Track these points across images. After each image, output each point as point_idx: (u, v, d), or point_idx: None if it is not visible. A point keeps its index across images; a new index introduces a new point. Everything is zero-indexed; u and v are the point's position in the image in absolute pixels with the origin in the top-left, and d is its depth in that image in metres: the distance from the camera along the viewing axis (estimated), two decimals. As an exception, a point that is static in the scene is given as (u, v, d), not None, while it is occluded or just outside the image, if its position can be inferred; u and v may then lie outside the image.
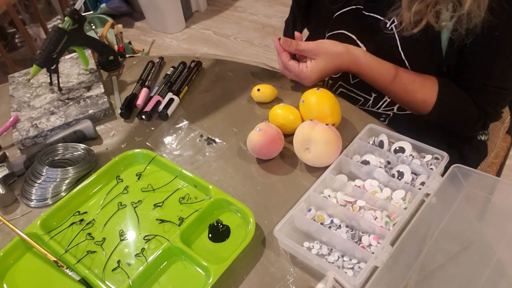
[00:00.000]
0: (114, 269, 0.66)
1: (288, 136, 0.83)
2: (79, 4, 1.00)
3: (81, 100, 0.97)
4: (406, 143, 0.76)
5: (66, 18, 0.94)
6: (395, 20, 0.81)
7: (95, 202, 0.76)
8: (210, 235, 0.69)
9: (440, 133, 0.96)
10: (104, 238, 0.70)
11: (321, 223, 0.68)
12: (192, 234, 0.69)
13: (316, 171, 0.78)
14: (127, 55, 1.17)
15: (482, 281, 0.59)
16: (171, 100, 0.94)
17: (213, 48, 2.83)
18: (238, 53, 2.72)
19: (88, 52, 1.10)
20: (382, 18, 0.84)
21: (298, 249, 0.63)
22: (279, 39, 0.90)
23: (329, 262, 0.63)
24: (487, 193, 0.70)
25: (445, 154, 0.73)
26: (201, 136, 0.89)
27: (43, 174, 0.78)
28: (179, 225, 0.70)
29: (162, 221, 0.72)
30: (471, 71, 0.83)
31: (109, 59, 1.08)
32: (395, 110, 0.95)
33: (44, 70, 0.96)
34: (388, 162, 0.75)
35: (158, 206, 0.74)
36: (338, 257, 0.64)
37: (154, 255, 0.65)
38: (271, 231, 0.68)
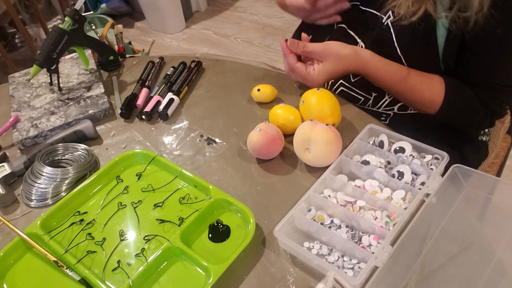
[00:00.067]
0: (114, 269, 0.66)
1: (288, 136, 0.83)
2: (79, 4, 1.00)
3: (81, 100, 0.97)
4: (406, 143, 0.76)
5: (66, 18, 0.94)
6: (391, 15, 0.82)
7: (95, 202, 0.76)
8: (210, 235, 0.69)
9: (440, 133, 0.96)
10: (104, 238, 0.70)
11: (321, 223, 0.68)
12: (192, 234, 0.69)
13: (316, 171, 0.78)
14: (127, 55, 1.17)
15: (482, 281, 0.59)
16: (171, 100, 0.94)
17: (213, 48, 2.83)
18: (238, 53, 2.73)
19: (88, 52, 1.10)
20: (378, 13, 0.84)
21: (298, 249, 0.63)
22: (286, 40, 0.88)
23: (329, 262, 0.63)
24: (487, 193, 0.70)
25: (445, 154, 0.73)
26: (201, 136, 0.89)
27: (43, 174, 0.78)
28: (179, 225, 0.70)
29: (162, 221, 0.72)
30: (474, 69, 0.83)
31: (109, 59, 1.08)
32: (395, 110, 0.95)
33: (44, 70, 0.96)
34: (388, 162, 0.75)
35: (158, 206, 0.74)
36: (338, 257, 0.64)
37: (154, 255, 0.65)
38: (271, 231, 0.68)
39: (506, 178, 1.58)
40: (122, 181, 0.80)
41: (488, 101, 0.85)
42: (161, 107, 0.93)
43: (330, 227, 0.68)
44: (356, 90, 0.96)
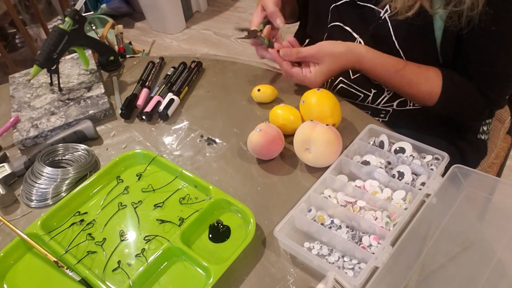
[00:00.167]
0: (114, 270, 0.66)
1: (289, 136, 0.83)
2: (79, 5, 1.00)
3: (81, 101, 0.97)
4: (407, 144, 0.76)
5: (66, 19, 0.94)
6: (389, 9, 0.82)
7: (95, 202, 0.76)
8: (210, 236, 0.69)
9: (440, 130, 0.96)
10: (105, 239, 0.70)
11: (322, 224, 0.68)
12: (193, 234, 0.69)
13: (317, 171, 0.78)
14: (127, 56, 1.17)
15: (482, 281, 0.59)
16: (171, 101, 0.94)
17: (213, 49, 2.83)
18: (238, 53, 2.73)
19: (88, 53, 1.10)
20: (375, 8, 0.84)
21: (299, 249, 0.63)
22: (278, 51, 0.90)
23: (330, 263, 0.63)
24: (488, 193, 0.69)
25: (446, 155, 0.73)
26: (202, 136, 0.89)
27: (44, 174, 0.78)
28: (179, 226, 0.70)
29: (163, 221, 0.72)
30: (472, 60, 0.83)
31: (110, 60, 1.08)
32: (394, 106, 0.95)
33: (45, 70, 0.96)
34: (389, 163, 0.75)
35: (158, 206, 0.74)
36: (339, 258, 0.64)
37: (154, 255, 0.65)
38: (271, 232, 0.68)
39: (506, 178, 1.58)
40: (122, 181, 0.80)
41: (487, 91, 0.85)
42: (162, 107, 0.93)
43: (330, 227, 0.68)
44: (355, 86, 0.96)
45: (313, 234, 0.68)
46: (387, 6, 0.82)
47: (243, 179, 0.79)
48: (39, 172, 0.79)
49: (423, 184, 0.71)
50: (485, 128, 1.04)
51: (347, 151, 0.76)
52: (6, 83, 1.07)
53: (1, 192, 0.77)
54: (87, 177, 0.80)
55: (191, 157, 0.84)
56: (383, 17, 0.83)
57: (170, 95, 0.96)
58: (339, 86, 0.98)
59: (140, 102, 0.97)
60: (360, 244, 0.65)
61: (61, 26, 0.94)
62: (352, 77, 0.95)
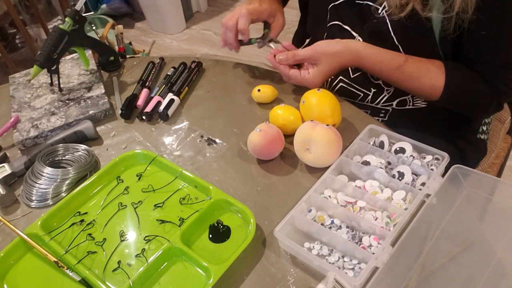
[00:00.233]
0: (114, 270, 0.66)
1: (289, 136, 0.83)
2: (79, 5, 1.00)
3: (81, 101, 0.97)
4: (407, 144, 0.76)
5: (66, 19, 0.94)
6: (386, 6, 0.82)
7: (95, 202, 0.76)
8: (210, 236, 0.69)
9: (440, 130, 0.96)
10: (105, 239, 0.70)
11: (322, 224, 0.68)
12: (193, 234, 0.69)
13: (317, 171, 0.78)
14: (127, 56, 1.17)
15: (482, 281, 0.59)
16: (171, 101, 0.94)
17: (213, 49, 2.83)
18: (238, 53, 2.72)
19: (88, 53, 1.10)
20: (373, 4, 0.84)
21: (299, 249, 0.63)
22: (274, 56, 0.91)
23: (330, 263, 0.63)
24: (488, 193, 0.69)
25: (446, 155, 0.73)
26: (202, 136, 0.89)
27: (44, 174, 0.78)
28: (179, 226, 0.70)
29: (163, 221, 0.72)
30: (475, 51, 0.81)
31: (110, 60, 1.08)
32: (394, 106, 0.95)
33: (45, 70, 0.96)
34: (389, 163, 0.75)
35: (158, 206, 0.74)
36: (339, 258, 0.64)
37: (154, 255, 0.65)
38: (271, 232, 0.68)
39: (506, 178, 1.58)
40: (122, 181, 0.80)
41: (493, 80, 0.83)
42: (162, 107, 0.93)
43: (330, 227, 0.68)
44: (355, 86, 0.96)
45: (313, 234, 0.68)
46: (385, 3, 0.82)
47: (243, 179, 0.79)
48: (39, 172, 0.79)
49: (423, 184, 0.71)
50: (484, 128, 1.04)
51: (347, 151, 0.76)
52: (6, 83, 1.07)
53: (1, 192, 0.77)
54: (87, 177, 0.80)
55: (191, 157, 0.84)
56: (381, 14, 0.83)
57: (170, 95, 0.96)
58: (339, 85, 0.98)
59: (140, 102, 0.97)
60: (360, 244, 0.65)
61: (61, 26, 0.94)
62: (352, 76, 0.95)
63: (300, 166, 0.80)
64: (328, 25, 0.94)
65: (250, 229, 0.67)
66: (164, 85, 1.00)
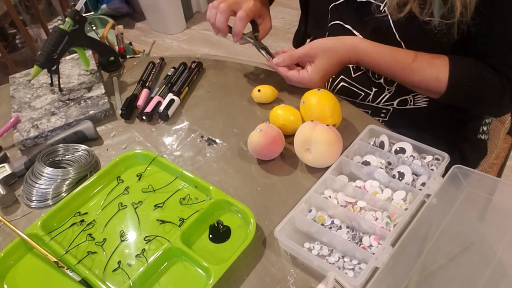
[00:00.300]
0: (114, 270, 0.66)
1: (289, 136, 0.83)
2: (79, 5, 1.00)
3: (81, 101, 0.97)
4: (407, 144, 0.76)
5: (67, 19, 0.94)
6: (388, 2, 0.81)
7: (95, 202, 0.76)
8: (210, 236, 0.69)
9: (440, 130, 0.96)
10: (105, 239, 0.70)
11: (322, 224, 0.68)
12: (193, 235, 0.69)
13: (317, 171, 0.78)
14: (127, 56, 1.18)
15: (482, 281, 0.59)
16: (171, 101, 0.94)
17: (213, 49, 2.83)
18: (238, 53, 2.73)
19: (88, 53, 1.10)
20: (374, 1, 0.83)
21: (299, 250, 0.63)
22: (272, 59, 0.92)
23: (330, 263, 0.63)
24: (488, 193, 0.69)
25: (446, 155, 0.73)
26: (202, 136, 0.89)
27: (44, 174, 0.78)
28: (179, 226, 0.70)
29: (163, 221, 0.72)
30: (480, 40, 0.79)
31: (110, 60, 1.08)
32: (394, 105, 0.95)
33: (45, 71, 0.96)
34: (389, 163, 0.75)
35: (158, 206, 0.74)
36: (339, 258, 0.64)
37: (154, 255, 0.65)
38: (271, 232, 0.68)
39: (506, 178, 1.58)
40: (122, 181, 0.80)
41: (501, 67, 0.79)
42: (162, 107, 0.93)
43: (330, 227, 0.68)
44: (356, 85, 0.96)
45: (314, 235, 0.68)
46: (386, 0, 0.81)
47: (243, 179, 0.79)
48: (39, 173, 0.79)
49: (423, 184, 0.71)
50: (485, 128, 1.04)
51: (347, 151, 0.76)
52: (6, 84, 1.07)
53: (2, 193, 0.77)
54: (87, 177, 0.80)
55: (191, 158, 0.84)
56: (382, 10, 0.82)
57: (170, 96, 0.96)
58: (340, 85, 0.98)
59: (140, 102, 0.97)
60: (360, 245, 0.65)
61: (61, 26, 0.94)
62: (353, 76, 0.95)
63: (300, 166, 0.80)
64: (329, 24, 0.94)
65: (250, 229, 0.67)
66: (164, 85, 1.00)
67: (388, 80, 0.92)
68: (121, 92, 1.03)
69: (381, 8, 0.83)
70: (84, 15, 0.98)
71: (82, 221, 0.73)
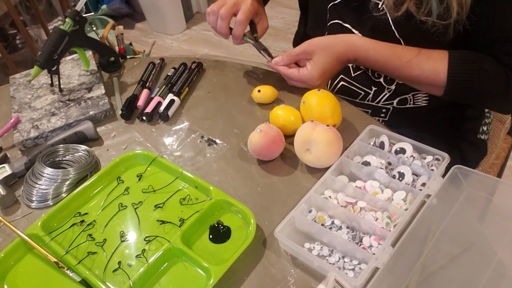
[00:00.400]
0: (114, 270, 0.66)
1: (289, 137, 0.83)
2: (80, 5, 1.00)
3: (82, 101, 0.97)
4: (407, 144, 0.76)
5: (67, 19, 0.94)
6: (385, 1, 0.81)
7: (96, 203, 0.76)
8: (210, 236, 0.69)
9: (440, 130, 0.96)
10: (105, 239, 0.70)
11: (322, 224, 0.68)
12: (193, 235, 0.69)
13: (317, 172, 0.78)
14: (128, 56, 1.18)
15: (483, 282, 0.59)
16: (172, 101, 0.95)
17: (214, 49, 2.83)
18: (239, 54, 2.73)
19: (89, 53, 1.10)
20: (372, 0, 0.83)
21: (299, 250, 0.63)
22: (271, 60, 0.93)
23: (330, 263, 0.63)
24: (488, 194, 0.69)
25: (446, 155, 0.73)
26: (202, 137, 0.89)
27: (44, 175, 0.78)
28: (179, 226, 0.70)
29: (163, 222, 0.72)
30: (485, 34, 0.77)
31: (110, 60, 1.08)
32: (394, 104, 0.95)
33: (45, 71, 0.96)
34: (389, 163, 0.75)
35: (158, 207, 0.74)
36: (339, 258, 0.64)
37: (154, 256, 0.65)
38: (271, 232, 0.68)
39: (506, 179, 1.58)
40: (122, 182, 0.80)
41: (502, 56, 0.77)
42: (162, 108, 0.93)
43: (330, 228, 0.68)
44: (356, 84, 0.96)
45: (314, 235, 0.68)
46: None
47: (244, 179, 0.79)
48: (39, 173, 0.79)
49: (423, 184, 0.71)
50: (484, 128, 1.04)
51: (347, 151, 0.76)
52: (6, 84, 1.07)
53: (2, 193, 0.77)
54: (87, 177, 0.80)
55: (192, 158, 0.84)
56: (381, 8, 0.82)
57: (170, 96, 0.96)
58: (340, 84, 0.98)
59: (140, 103, 0.97)
60: (360, 245, 0.65)
61: (61, 27, 0.94)
62: (353, 75, 0.96)
63: (301, 167, 0.80)
64: (328, 24, 0.95)
65: (250, 229, 0.67)
66: (164, 86, 1.00)
67: (388, 79, 0.92)
68: (121, 93, 1.03)
69: (379, 6, 0.83)
70: (84, 15, 0.98)
71: (82, 221, 0.73)
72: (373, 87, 0.94)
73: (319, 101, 0.82)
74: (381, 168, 0.74)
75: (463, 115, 0.98)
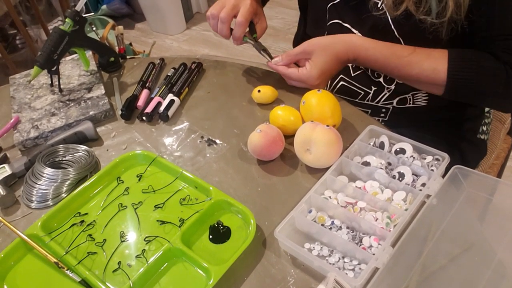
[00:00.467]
0: (114, 271, 0.66)
1: (289, 137, 0.83)
2: (80, 6, 1.00)
3: (81, 101, 0.97)
4: (407, 144, 0.76)
5: (67, 20, 0.94)
6: (384, 0, 0.81)
7: (95, 203, 0.76)
8: (210, 237, 0.69)
9: (440, 130, 0.96)
10: (105, 240, 0.70)
11: (322, 225, 0.68)
12: (193, 235, 0.69)
13: (317, 172, 0.78)
14: (128, 57, 1.18)
15: (483, 282, 0.59)
16: (171, 101, 0.95)
17: (214, 49, 2.83)
18: (238, 54, 2.73)
19: (89, 54, 1.10)
20: None
21: (299, 250, 0.63)
22: (271, 60, 0.94)
23: (330, 264, 0.63)
24: (488, 194, 0.69)
25: (446, 156, 0.73)
26: (202, 137, 0.89)
27: (44, 175, 0.78)
28: (179, 226, 0.70)
29: (163, 222, 0.72)
30: (485, 33, 0.78)
31: (110, 61, 1.08)
32: (394, 104, 0.95)
33: (45, 71, 0.96)
34: (389, 163, 0.75)
35: (158, 207, 0.74)
36: (339, 259, 0.64)
37: (154, 256, 0.65)
38: (271, 233, 0.68)
39: (506, 179, 1.58)
40: (122, 182, 0.80)
41: (502, 54, 0.77)
42: (162, 108, 0.93)
43: (330, 228, 0.68)
44: (356, 84, 0.96)
45: (314, 235, 0.68)
46: None
47: (244, 180, 0.79)
48: (39, 173, 0.79)
49: (423, 185, 0.71)
50: (484, 128, 1.04)
51: (347, 152, 0.76)
52: (6, 84, 1.07)
53: (2, 193, 0.77)
54: (87, 178, 0.80)
55: (192, 158, 0.84)
56: (380, 8, 0.82)
57: (170, 96, 0.96)
58: (339, 84, 0.98)
59: (140, 103, 0.97)
60: (360, 245, 0.65)
61: (61, 27, 0.94)
62: (352, 75, 0.96)
63: (300, 167, 0.80)
64: (328, 24, 0.95)
65: (250, 229, 0.67)
66: (164, 86, 1.00)
67: (387, 79, 0.92)
68: (121, 93, 1.03)
69: (378, 5, 0.83)
70: (84, 15, 0.98)
71: (82, 221, 0.73)
72: (372, 87, 0.94)
73: (319, 101, 0.82)
74: (381, 168, 0.74)
75: (463, 115, 0.98)
